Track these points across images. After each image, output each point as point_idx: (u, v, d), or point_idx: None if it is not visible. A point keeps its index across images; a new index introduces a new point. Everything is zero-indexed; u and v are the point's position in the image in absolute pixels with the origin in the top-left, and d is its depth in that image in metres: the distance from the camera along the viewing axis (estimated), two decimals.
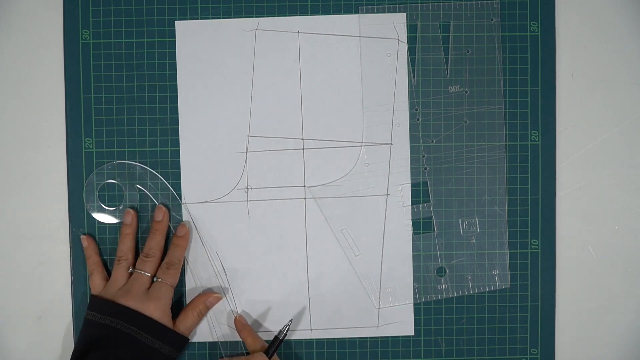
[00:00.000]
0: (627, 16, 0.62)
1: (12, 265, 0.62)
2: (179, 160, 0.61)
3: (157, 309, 0.56)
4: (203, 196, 0.61)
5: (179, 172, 0.61)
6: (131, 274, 0.59)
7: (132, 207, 0.61)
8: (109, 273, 0.61)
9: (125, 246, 0.59)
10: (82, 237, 0.61)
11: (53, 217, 0.62)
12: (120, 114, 0.61)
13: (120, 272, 0.58)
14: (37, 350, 0.62)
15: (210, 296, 0.60)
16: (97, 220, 0.61)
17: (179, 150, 0.61)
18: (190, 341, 0.61)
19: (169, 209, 0.61)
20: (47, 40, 0.61)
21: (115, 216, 0.61)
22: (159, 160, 0.61)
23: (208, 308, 0.60)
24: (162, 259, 0.59)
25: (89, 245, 0.60)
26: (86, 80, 0.61)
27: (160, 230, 0.60)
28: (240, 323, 0.60)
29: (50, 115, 0.62)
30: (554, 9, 0.62)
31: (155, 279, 0.58)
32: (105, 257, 0.61)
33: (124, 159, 0.61)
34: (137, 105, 0.61)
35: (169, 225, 0.61)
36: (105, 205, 0.61)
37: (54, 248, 0.62)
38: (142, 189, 0.61)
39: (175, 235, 0.60)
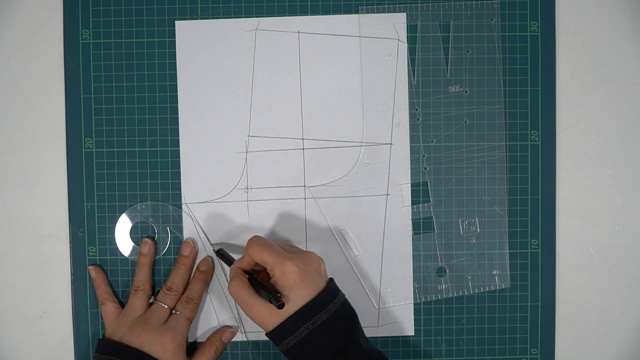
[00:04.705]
0: (627, 16, 0.62)
1: (12, 265, 0.62)
2: (179, 160, 0.61)
3: (173, 341, 0.56)
4: (203, 196, 0.61)
5: (179, 172, 0.61)
6: (151, 304, 0.59)
7: (150, 238, 0.61)
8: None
9: (142, 276, 0.59)
10: (90, 268, 0.61)
11: (53, 217, 0.62)
12: (120, 114, 0.61)
13: (138, 301, 0.58)
14: (37, 350, 0.62)
15: (225, 332, 0.60)
16: (97, 221, 0.61)
17: (179, 150, 0.61)
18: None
19: (196, 245, 0.61)
20: (47, 40, 0.61)
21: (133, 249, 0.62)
22: (159, 160, 0.61)
23: (224, 344, 0.60)
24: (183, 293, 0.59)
25: (97, 275, 0.60)
26: (86, 80, 0.61)
27: (185, 265, 0.60)
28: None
29: (50, 115, 0.62)
30: (554, 9, 0.62)
31: (174, 312, 0.58)
32: (105, 257, 0.62)
33: (124, 159, 0.61)
34: (137, 105, 0.61)
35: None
36: (133, 241, 0.61)
37: (54, 248, 0.62)
38: (175, 231, 0.61)
39: (197, 269, 0.60)
